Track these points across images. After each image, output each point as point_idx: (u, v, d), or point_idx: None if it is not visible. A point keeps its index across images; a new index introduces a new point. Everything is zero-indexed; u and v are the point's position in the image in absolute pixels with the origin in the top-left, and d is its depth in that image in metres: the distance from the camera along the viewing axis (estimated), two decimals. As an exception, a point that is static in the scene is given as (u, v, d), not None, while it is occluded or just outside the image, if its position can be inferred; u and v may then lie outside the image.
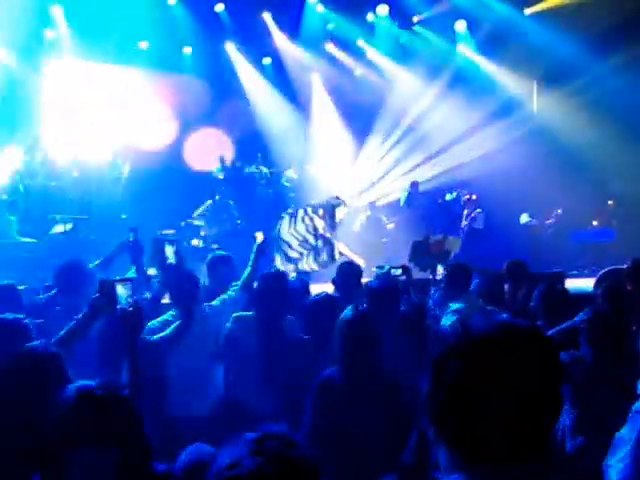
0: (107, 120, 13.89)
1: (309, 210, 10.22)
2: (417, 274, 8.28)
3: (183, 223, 11.71)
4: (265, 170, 14.60)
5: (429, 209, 14.14)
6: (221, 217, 11.98)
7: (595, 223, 15.02)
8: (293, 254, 10.04)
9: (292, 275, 6.00)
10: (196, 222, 11.96)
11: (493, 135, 14.62)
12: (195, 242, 11.24)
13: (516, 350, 1.39)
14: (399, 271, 5.54)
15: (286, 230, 10.07)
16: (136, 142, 14.08)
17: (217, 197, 12.23)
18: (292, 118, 15.25)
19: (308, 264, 10.11)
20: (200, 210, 12.14)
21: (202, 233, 11.78)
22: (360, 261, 10.41)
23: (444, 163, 15.02)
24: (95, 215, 12.33)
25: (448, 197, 14.58)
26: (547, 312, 5.25)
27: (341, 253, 10.27)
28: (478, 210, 13.87)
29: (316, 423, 3.80)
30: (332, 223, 10.21)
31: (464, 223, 13.84)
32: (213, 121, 14.46)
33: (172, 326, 4.76)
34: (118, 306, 3.54)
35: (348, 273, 5.91)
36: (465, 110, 14.76)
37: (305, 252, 10.05)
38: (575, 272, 12.43)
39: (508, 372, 1.37)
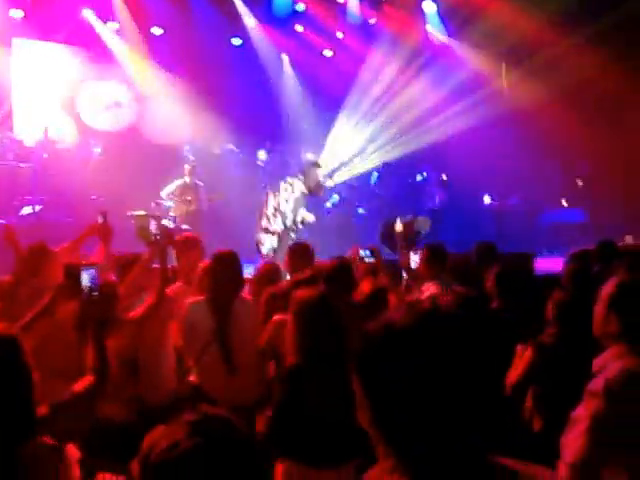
0: (75, 100, 13.68)
1: (289, 178, 10.35)
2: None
3: (153, 203, 11.58)
4: (236, 150, 14.50)
5: (399, 189, 14.15)
6: (189, 198, 11.86)
7: (565, 203, 15.12)
8: (275, 228, 10.19)
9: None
10: (166, 202, 11.83)
11: (462, 115, 14.61)
12: (165, 223, 11.14)
13: (441, 342, 1.36)
14: (368, 253, 5.50)
15: (271, 205, 10.21)
16: (105, 123, 13.93)
17: (187, 177, 12.09)
18: (261, 98, 15.12)
19: (288, 235, 10.28)
20: (169, 190, 12.01)
21: (172, 213, 11.66)
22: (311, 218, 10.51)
23: (414, 143, 15.00)
24: (65, 196, 12.19)
25: (418, 178, 14.59)
26: (503, 293, 5.27)
27: (303, 220, 10.32)
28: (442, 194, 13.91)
29: (284, 406, 3.76)
30: (311, 185, 10.34)
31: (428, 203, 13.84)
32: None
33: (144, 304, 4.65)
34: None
35: (299, 253, 5.88)
36: (434, 90, 14.74)
37: (282, 225, 10.22)
38: (546, 253, 12.55)
39: (432, 365, 1.34)
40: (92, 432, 3.80)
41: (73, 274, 3.46)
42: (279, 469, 3.77)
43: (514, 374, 4.40)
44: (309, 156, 10.97)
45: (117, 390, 4.11)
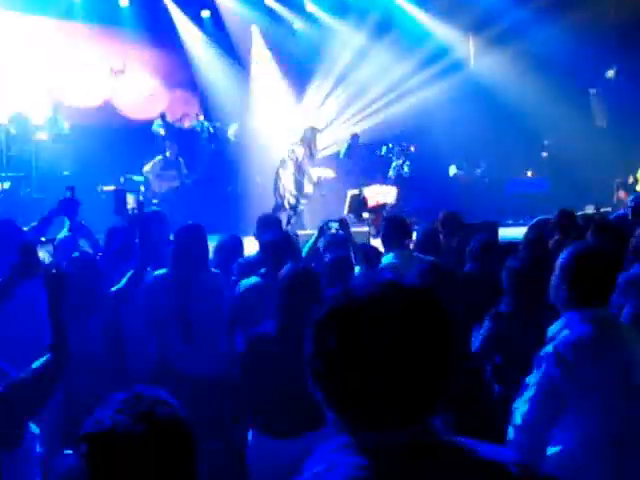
0: (45, 75, 13.41)
1: (291, 145, 10.48)
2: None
3: (122, 179, 11.45)
4: (207, 124, 14.36)
5: (368, 161, 14.12)
6: (171, 174, 11.76)
7: (529, 174, 15.23)
8: (292, 200, 10.34)
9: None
10: (136, 178, 11.70)
11: (428, 85, 14.58)
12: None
13: (400, 312, 1.31)
14: (336, 225, 5.48)
15: (281, 177, 10.35)
16: (75, 98, 13.69)
17: (168, 153, 11.97)
18: (232, 71, 14.96)
19: (300, 202, 10.45)
20: (149, 166, 11.87)
21: (142, 189, 11.55)
22: (330, 174, 10.77)
23: (382, 115, 14.96)
24: (37, 173, 12.02)
25: (384, 150, 14.56)
26: (479, 259, 5.32)
27: (318, 180, 10.47)
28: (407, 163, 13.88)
29: (250, 376, 3.78)
30: (311, 150, 10.48)
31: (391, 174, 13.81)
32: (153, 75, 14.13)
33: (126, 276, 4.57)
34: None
35: (267, 224, 5.85)
36: (401, 62, 14.67)
37: (295, 193, 10.38)
38: (510, 222, 12.64)
39: (391, 336, 1.29)
40: (71, 407, 3.80)
41: (29, 252, 3.40)
42: (248, 438, 3.81)
43: (475, 347, 4.44)
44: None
45: (102, 365, 4.08)
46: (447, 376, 1.35)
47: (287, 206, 10.70)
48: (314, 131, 10.80)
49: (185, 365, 4.72)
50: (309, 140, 10.71)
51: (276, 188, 10.81)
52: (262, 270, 4.92)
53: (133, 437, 1.54)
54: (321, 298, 1.42)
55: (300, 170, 10.58)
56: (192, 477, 1.63)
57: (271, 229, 5.60)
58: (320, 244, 5.58)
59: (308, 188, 10.75)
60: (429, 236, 6.37)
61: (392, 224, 5.82)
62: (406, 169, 13.60)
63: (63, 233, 5.36)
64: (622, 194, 12.37)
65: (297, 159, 10.60)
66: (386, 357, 1.29)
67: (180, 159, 12.09)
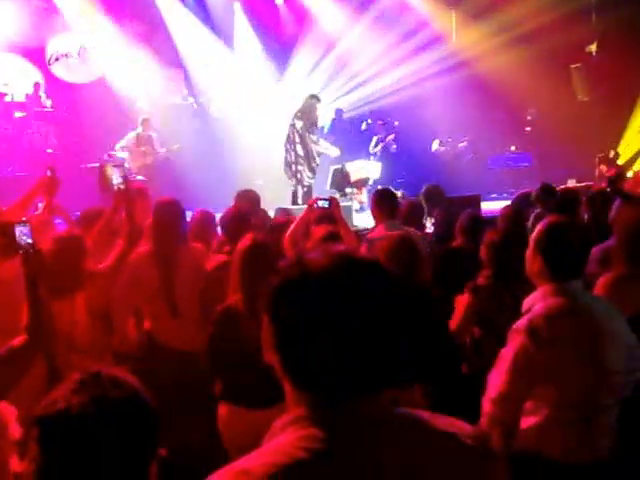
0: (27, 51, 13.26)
1: (292, 120, 10.48)
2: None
3: (106, 155, 11.37)
4: (191, 100, 14.25)
5: (352, 136, 14.06)
6: (143, 150, 11.65)
7: (512, 148, 15.25)
8: (298, 175, 10.38)
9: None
10: (119, 154, 11.61)
11: (411, 61, 14.50)
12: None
13: (352, 284, 1.30)
14: (326, 203, 5.47)
15: (290, 152, 10.37)
16: (59, 74, 13.56)
17: (140, 128, 11.86)
18: (215, 47, 14.81)
19: (306, 175, 10.49)
20: (123, 142, 11.77)
21: (125, 165, 11.46)
22: (336, 152, 10.81)
23: (365, 90, 14.89)
24: (20, 150, 11.91)
25: (363, 126, 14.51)
26: (465, 234, 5.33)
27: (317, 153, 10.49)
28: (391, 136, 13.83)
29: (216, 347, 3.79)
30: (312, 120, 10.47)
31: (375, 148, 13.75)
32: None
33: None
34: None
35: (249, 199, 5.82)
36: (383, 36, 14.56)
37: (301, 167, 10.42)
38: (494, 195, 12.68)
39: (344, 307, 1.28)
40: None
41: (6, 232, 3.35)
42: (220, 411, 3.83)
43: (454, 320, 4.46)
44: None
45: (89, 343, 4.05)
46: (401, 348, 1.34)
47: (294, 180, 10.73)
48: (312, 100, 10.71)
49: (172, 340, 4.73)
50: (307, 110, 10.64)
51: (285, 164, 10.84)
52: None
53: (85, 420, 1.50)
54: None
55: (303, 143, 10.56)
56: (149, 459, 1.60)
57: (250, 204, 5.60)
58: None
59: (314, 161, 10.73)
60: (413, 210, 6.39)
61: (381, 197, 5.79)
62: (393, 146, 13.55)
63: (38, 212, 5.30)
64: (603, 168, 12.41)
65: (298, 132, 10.56)
66: (337, 328, 1.28)
67: (153, 134, 11.95)
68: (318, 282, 1.31)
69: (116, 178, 4.98)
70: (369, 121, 14.35)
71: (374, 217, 5.78)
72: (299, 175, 10.70)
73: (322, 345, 1.28)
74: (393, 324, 1.33)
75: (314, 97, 10.81)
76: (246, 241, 3.85)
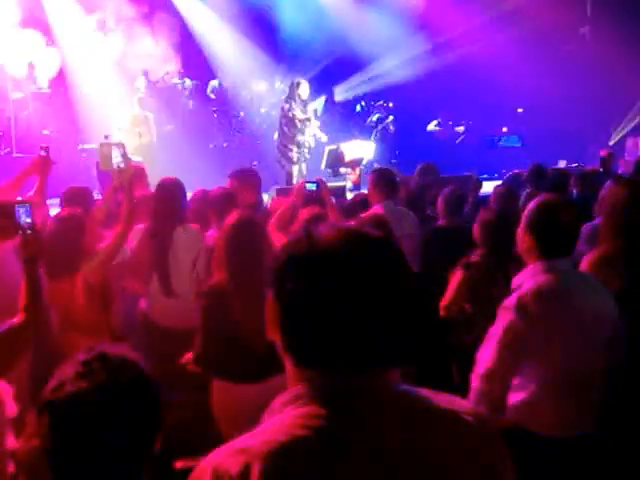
0: (24, 35, 13.08)
1: (284, 105, 10.55)
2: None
3: (104, 137, 11.27)
4: (188, 82, 14.13)
5: (345, 118, 14.00)
6: (141, 130, 11.55)
7: (505, 129, 15.22)
8: (293, 155, 10.42)
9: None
10: (116, 135, 11.51)
11: (407, 44, 14.42)
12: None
13: (360, 259, 1.28)
14: (314, 186, 5.45)
15: (283, 134, 10.42)
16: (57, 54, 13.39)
17: (136, 109, 11.75)
18: (214, 28, 14.65)
19: (304, 156, 10.54)
20: (117, 123, 11.67)
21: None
22: (324, 138, 10.86)
23: (361, 73, 14.80)
24: (17, 131, 11.83)
25: (357, 108, 14.43)
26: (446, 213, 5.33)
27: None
28: (390, 117, 13.77)
29: (208, 326, 3.78)
30: (299, 103, 10.55)
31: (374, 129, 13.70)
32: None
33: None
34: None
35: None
36: (380, 20, 14.44)
37: (295, 148, 10.47)
38: (486, 175, 12.67)
39: (352, 283, 1.26)
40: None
41: (7, 212, 3.31)
42: (212, 386, 3.82)
43: (447, 296, 4.47)
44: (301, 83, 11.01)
45: (88, 322, 4.04)
46: (405, 325, 1.32)
47: (283, 161, 10.79)
48: (296, 84, 10.81)
49: (167, 319, 4.72)
50: (292, 94, 10.77)
51: (278, 144, 10.91)
52: None
53: (94, 405, 1.52)
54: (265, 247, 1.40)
55: (291, 124, 10.66)
56: (155, 436, 1.62)
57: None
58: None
59: (303, 138, 10.79)
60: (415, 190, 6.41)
61: (380, 177, 5.76)
62: (392, 127, 13.50)
63: (31, 193, 5.26)
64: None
65: (287, 114, 10.69)
66: (344, 304, 1.26)
67: (149, 114, 11.86)
68: (326, 257, 1.28)
69: (116, 157, 4.92)
70: (363, 103, 14.28)
71: (371, 197, 5.72)
72: (290, 154, 10.76)
73: (327, 321, 1.26)
74: (399, 300, 1.31)
75: (298, 82, 10.89)
76: (232, 218, 3.81)
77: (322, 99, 13.98)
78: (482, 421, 1.38)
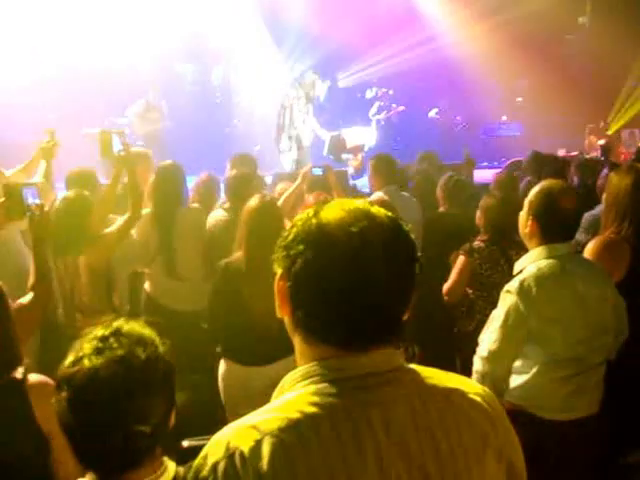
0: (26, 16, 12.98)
1: (289, 89, 10.41)
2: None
3: (106, 121, 11.24)
4: (194, 68, 14.07)
5: (347, 104, 13.93)
6: (153, 116, 11.51)
7: (504, 118, 15.17)
8: (282, 146, 10.32)
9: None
10: (120, 121, 11.47)
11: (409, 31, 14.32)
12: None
13: (369, 239, 1.27)
14: (320, 171, 5.44)
15: (288, 119, 10.30)
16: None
17: (151, 96, 11.70)
18: (216, 14, 14.55)
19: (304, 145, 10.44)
20: (132, 108, 11.62)
21: (126, 131, 11.32)
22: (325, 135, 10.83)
23: (364, 59, 14.70)
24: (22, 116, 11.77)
25: (368, 94, 14.35)
26: (447, 199, 5.31)
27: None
28: (401, 107, 13.71)
29: (216, 303, 3.79)
30: (309, 98, 10.45)
31: (377, 116, 13.62)
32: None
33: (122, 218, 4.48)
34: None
35: (242, 163, 5.79)
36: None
37: (286, 139, 10.37)
38: (485, 164, 12.63)
39: (359, 257, 1.26)
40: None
41: (14, 194, 3.31)
42: (220, 368, 3.84)
43: (449, 281, 4.46)
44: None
45: (91, 303, 4.06)
46: (409, 300, 1.32)
47: (284, 145, 10.66)
48: (311, 82, 10.65)
49: (171, 301, 4.72)
50: (307, 86, 10.60)
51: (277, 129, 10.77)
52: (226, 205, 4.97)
53: (113, 381, 1.53)
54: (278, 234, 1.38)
55: (287, 115, 10.52)
56: (169, 411, 1.63)
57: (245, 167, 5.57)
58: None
59: (295, 132, 10.64)
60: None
61: (380, 162, 5.72)
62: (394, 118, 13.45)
63: (38, 177, 5.24)
64: (593, 139, 12.35)
65: (287, 104, 10.53)
66: (353, 280, 1.26)
67: (163, 102, 11.83)
68: (335, 234, 1.28)
69: (116, 145, 4.87)
70: (374, 89, 14.20)
71: (372, 183, 5.68)
72: (280, 145, 10.62)
73: (334, 295, 1.26)
74: (407, 277, 1.31)
75: (315, 74, 10.74)
76: (255, 201, 3.82)
77: (326, 85, 13.90)
78: (491, 402, 1.38)
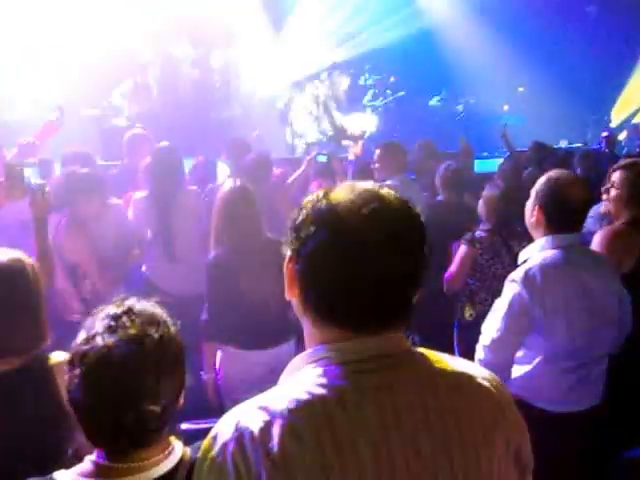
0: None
1: (317, 82, 10.29)
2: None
3: (105, 102, 11.19)
4: (192, 51, 13.97)
5: (348, 90, 13.86)
6: (141, 97, 11.45)
7: (506, 108, 15.13)
8: (300, 126, 10.22)
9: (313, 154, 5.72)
10: (118, 102, 11.43)
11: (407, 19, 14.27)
12: (117, 121, 10.85)
13: (380, 220, 1.26)
14: (325, 158, 5.42)
15: (296, 102, 10.20)
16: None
17: (138, 77, 11.65)
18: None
19: (314, 136, 10.35)
20: (121, 89, 11.58)
21: (125, 113, 11.30)
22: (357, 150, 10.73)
23: (362, 46, 14.64)
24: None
25: (361, 81, 14.28)
26: (446, 188, 5.29)
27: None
28: (401, 93, 13.65)
29: (214, 294, 3.79)
30: (335, 92, 10.36)
31: (372, 103, 13.57)
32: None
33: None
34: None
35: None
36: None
37: (309, 124, 10.27)
38: (486, 154, 12.61)
39: (370, 243, 1.25)
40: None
41: (14, 173, 3.31)
42: (218, 353, 3.85)
43: (451, 270, 4.46)
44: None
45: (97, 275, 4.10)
46: (419, 283, 1.32)
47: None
48: (336, 69, 10.53)
49: (168, 284, 4.70)
50: (332, 80, 10.52)
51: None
52: None
53: (127, 359, 1.53)
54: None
55: (326, 111, 10.41)
56: (180, 391, 1.65)
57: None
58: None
59: (336, 129, 10.53)
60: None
61: (389, 150, 5.67)
62: (392, 103, 13.39)
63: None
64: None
65: (318, 97, 10.43)
66: (363, 261, 1.25)
67: (151, 83, 11.76)
68: (346, 215, 1.27)
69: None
70: (367, 75, 14.14)
71: (380, 171, 5.62)
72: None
73: (348, 279, 1.25)
74: (417, 259, 1.30)
75: (340, 69, 10.66)
76: (227, 188, 3.82)
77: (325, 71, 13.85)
78: (499, 387, 1.38)
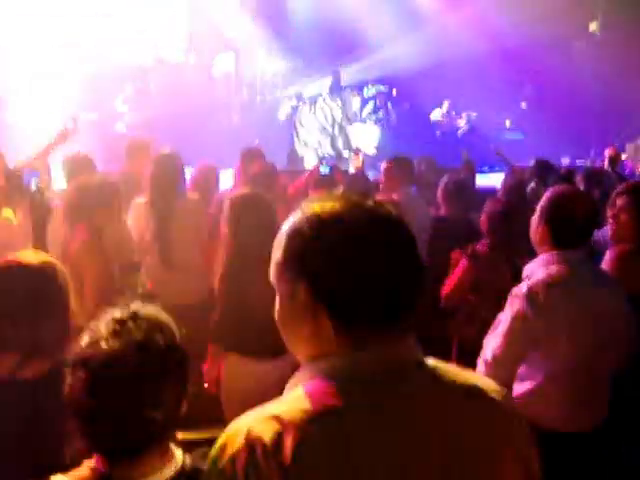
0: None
1: (327, 99, 10.35)
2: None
3: (106, 108, 11.23)
4: (194, 57, 14.04)
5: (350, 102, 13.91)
6: (144, 103, 11.48)
7: (508, 123, 15.18)
8: (311, 140, 10.26)
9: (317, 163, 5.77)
10: (119, 108, 11.45)
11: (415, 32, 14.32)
12: (118, 127, 10.88)
13: (372, 233, 1.28)
14: (327, 169, 5.46)
15: (305, 115, 10.26)
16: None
17: (139, 83, 11.68)
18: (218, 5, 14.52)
19: (326, 150, 10.39)
20: (124, 95, 11.60)
21: (126, 118, 11.32)
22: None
23: (368, 58, 14.68)
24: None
25: (366, 93, 14.34)
26: (447, 202, 5.28)
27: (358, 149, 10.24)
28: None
29: (224, 304, 3.78)
30: (349, 113, 10.44)
31: (373, 115, 13.61)
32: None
33: None
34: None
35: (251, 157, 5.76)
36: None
37: (322, 139, 10.33)
38: (486, 168, 12.64)
39: (369, 244, 1.27)
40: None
41: (15, 177, 3.31)
42: (226, 361, 3.82)
43: (449, 285, 4.44)
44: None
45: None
46: (421, 288, 1.32)
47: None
48: (351, 97, 10.62)
49: (166, 293, 4.66)
50: (346, 102, 10.59)
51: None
52: None
53: (132, 364, 1.53)
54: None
55: (339, 128, 10.48)
56: (182, 395, 1.64)
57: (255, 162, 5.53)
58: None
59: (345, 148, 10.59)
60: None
61: (394, 165, 5.66)
62: (393, 115, 13.43)
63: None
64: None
65: (333, 117, 10.52)
66: (354, 264, 1.26)
67: (152, 89, 11.78)
68: (335, 218, 1.28)
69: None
70: (370, 86, 14.17)
71: (386, 184, 5.60)
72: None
73: (357, 284, 1.26)
74: (416, 263, 1.32)
75: (353, 91, 10.74)
76: (232, 196, 3.82)
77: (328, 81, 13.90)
78: (509, 401, 1.38)
